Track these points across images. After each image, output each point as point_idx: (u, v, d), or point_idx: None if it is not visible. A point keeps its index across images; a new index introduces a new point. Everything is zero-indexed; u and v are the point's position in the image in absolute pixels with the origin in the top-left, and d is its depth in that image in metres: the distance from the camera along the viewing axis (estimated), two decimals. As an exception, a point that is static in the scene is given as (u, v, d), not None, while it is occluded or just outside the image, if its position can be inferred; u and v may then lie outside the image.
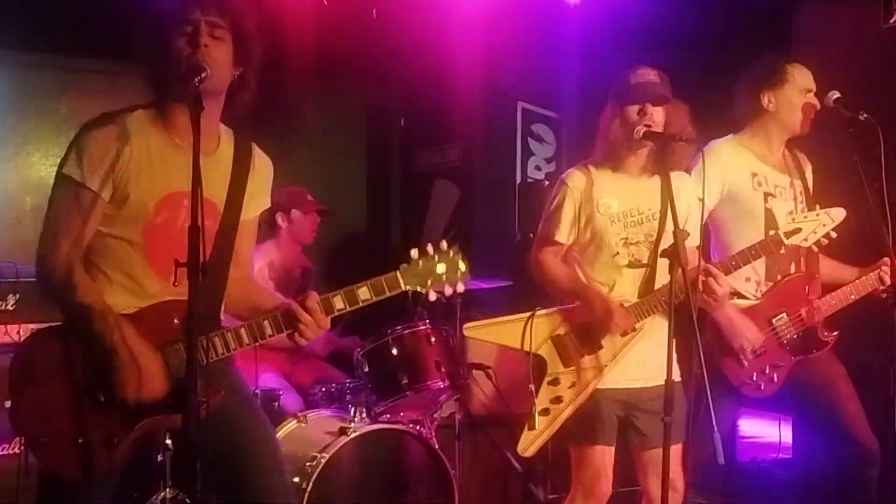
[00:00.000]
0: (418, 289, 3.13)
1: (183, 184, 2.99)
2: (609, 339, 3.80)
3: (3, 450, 4.78)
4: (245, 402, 3.32)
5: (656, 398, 3.59)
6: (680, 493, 3.80)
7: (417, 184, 7.57)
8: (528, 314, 3.84)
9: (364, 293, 3.08)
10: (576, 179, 3.86)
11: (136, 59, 3.11)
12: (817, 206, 4.08)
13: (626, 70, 3.83)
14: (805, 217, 3.92)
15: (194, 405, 2.63)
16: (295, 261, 5.69)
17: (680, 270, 3.40)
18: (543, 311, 3.85)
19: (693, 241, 3.88)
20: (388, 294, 3.10)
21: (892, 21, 5.28)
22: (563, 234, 3.85)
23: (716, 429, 3.25)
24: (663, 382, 3.48)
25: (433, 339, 4.78)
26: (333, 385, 5.16)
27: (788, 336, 4.17)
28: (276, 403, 4.92)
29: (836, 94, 4.12)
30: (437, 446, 4.66)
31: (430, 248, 3.15)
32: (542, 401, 3.79)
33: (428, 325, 4.85)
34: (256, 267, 5.31)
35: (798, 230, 3.88)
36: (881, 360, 4.10)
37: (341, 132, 7.40)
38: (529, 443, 3.80)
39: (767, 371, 4.14)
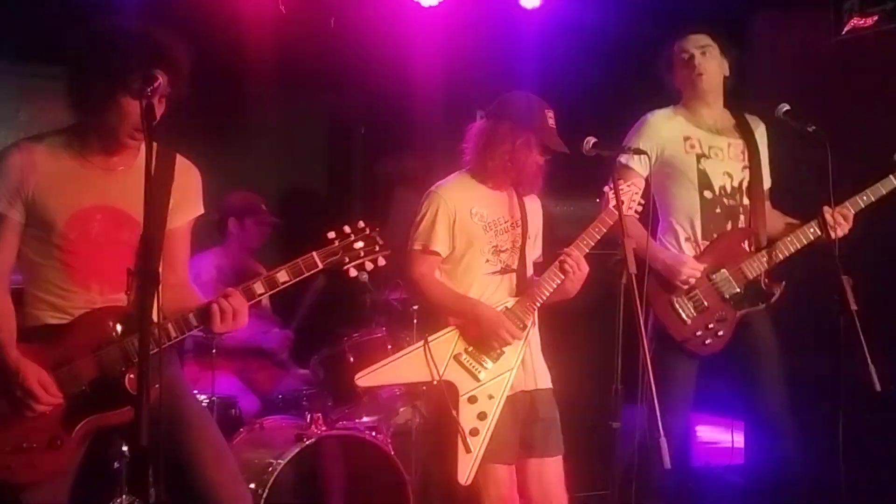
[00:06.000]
0: (337, 266, 3.21)
1: (92, 199, 3.17)
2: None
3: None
4: (187, 399, 3.41)
5: (548, 403, 3.96)
6: None
7: (378, 192, 7.58)
8: (417, 346, 3.85)
9: (283, 276, 3.18)
10: (449, 190, 3.95)
11: (69, 78, 3.15)
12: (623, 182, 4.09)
13: (530, 100, 3.97)
14: (622, 190, 3.90)
15: (144, 411, 2.64)
16: (244, 265, 5.68)
17: (628, 276, 3.54)
18: (434, 336, 3.85)
19: (536, 256, 4.10)
20: (305, 274, 3.19)
21: (843, 34, 5.37)
22: (441, 245, 3.90)
23: (661, 434, 3.32)
24: (550, 386, 3.98)
25: (389, 347, 4.81)
26: (290, 391, 5.18)
27: (730, 291, 4.27)
28: (234, 410, 4.93)
29: (785, 107, 4.20)
30: (392, 452, 4.67)
31: (346, 228, 3.24)
32: (468, 421, 3.76)
33: (384, 333, 4.89)
34: (205, 274, 5.31)
35: (622, 202, 3.90)
36: (829, 367, 4.16)
37: (302, 140, 7.39)
38: (468, 467, 3.72)
39: (712, 326, 4.26)
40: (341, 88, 7.20)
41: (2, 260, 3.15)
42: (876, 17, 5.19)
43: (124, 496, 4.23)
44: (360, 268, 3.25)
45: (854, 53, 5.27)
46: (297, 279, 3.18)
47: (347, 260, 3.22)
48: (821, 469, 4.15)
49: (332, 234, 3.22)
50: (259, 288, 3.17)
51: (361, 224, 3.26)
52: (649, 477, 4.05)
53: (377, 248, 3.25)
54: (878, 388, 3.85)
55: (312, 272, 3.19)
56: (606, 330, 3.84)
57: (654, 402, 3.34)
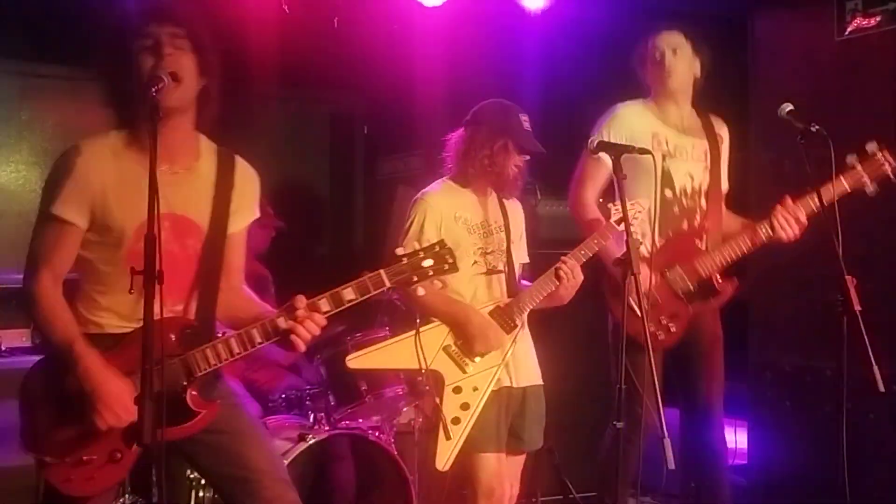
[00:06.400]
0: (404, 285, 3.15)
1: (161, 206, 3.01)
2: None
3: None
4: (238, 409, 3.36)
5: (539, 399, 4.11)
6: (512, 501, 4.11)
7: (381, 191, 7.58)
8: (409, 334, 3.95)
9: (349, 294, 3.10)
10: (435, 196, 4.07)
11: (100, 80, 3.12)
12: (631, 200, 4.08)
13: (504, 106, 4.08)
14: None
15: (146, 410, 2.62)
16: (249, 268, 5.65)
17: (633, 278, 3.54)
18: (426, 327, 3.96)
19: (523, 258, 4.24)
20: (372, 293, 3.11)
21: (845, 34, 5.37)
22: None
23: (666, 434, 3.32)
24: (540, 383, 4.12)
25: (393, 346, 4.79)
26: (293, 391, 5.17)
27: (683, 287, 4.31)
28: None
29: (789, 107, 4.16)
30: (395, 452, 4.68)
31: (416, 243, 3.22)
32: (451, 410, 3.89)
33: (387, 332, 4.87)
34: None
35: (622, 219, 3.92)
36: (833, 367, 4.16)
37: (304, 140, 7.41)
38: (447, 454, 3.85)
39: (664, 321, 4.30)
40: (344, 88, 7.21)
41: (60, 265, 3.05)
42: (879, 17, 5.19)
43: (127, 496, 4.23)
44: (427, 286, 3.20)
45: (857, 53, 5.27)
46: (364, 298, 3.11)
47: (416, 279, 3.15)
48: (823, 469, 4.15)
49: (400, 251, 3.16)
50: (325, 305, 3.10)
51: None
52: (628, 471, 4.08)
53: (446, 267, 3.18)
54: (881, 388, 3.85)
55: (379, 290, 3.12)
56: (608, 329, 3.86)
57: (659, 404, 3.35)
